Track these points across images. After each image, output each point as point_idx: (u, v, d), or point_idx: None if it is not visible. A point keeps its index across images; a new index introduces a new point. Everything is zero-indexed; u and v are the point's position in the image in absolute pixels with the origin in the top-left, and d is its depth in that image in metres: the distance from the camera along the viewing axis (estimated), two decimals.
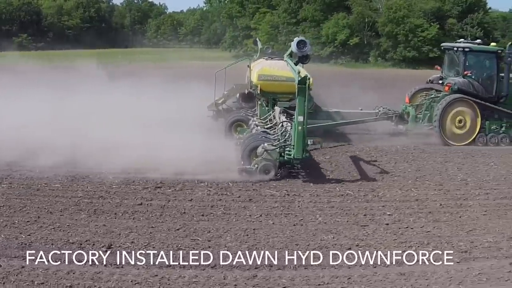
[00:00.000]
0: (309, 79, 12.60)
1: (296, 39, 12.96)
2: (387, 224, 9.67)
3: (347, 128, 18.88)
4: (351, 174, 13.48)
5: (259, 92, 16.68)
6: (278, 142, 12.95)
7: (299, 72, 12.44)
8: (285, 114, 15.64)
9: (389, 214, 10.19)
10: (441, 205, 10.90)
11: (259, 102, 16.92)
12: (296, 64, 13.73)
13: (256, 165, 12.54)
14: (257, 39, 25.63)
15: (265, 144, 12.78)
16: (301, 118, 12.30)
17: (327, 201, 11.02)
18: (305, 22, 68.40)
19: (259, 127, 15.11)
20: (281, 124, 14.19)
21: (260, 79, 16.43)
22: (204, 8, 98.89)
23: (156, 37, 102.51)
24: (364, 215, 10.14)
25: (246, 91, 17.74)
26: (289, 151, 12.66)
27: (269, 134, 14.10)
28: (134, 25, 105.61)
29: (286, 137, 13.09)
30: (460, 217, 10.22)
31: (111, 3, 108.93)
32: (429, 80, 19.24)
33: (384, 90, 22.51)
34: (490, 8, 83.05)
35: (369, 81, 22.24)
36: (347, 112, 18.39)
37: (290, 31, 65.98)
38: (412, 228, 9.49)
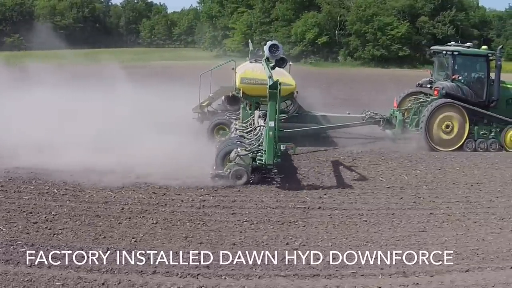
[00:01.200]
0: (280, 83, 12.65)
1: (268, 43, 13.04)
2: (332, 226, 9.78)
3: (336, 131, 19.04)
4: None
5: (241, 95, 16.84)
6: (251, 147, 13.11)
7: (270, 77, 12.57)
8: (264, 118, 15.80)
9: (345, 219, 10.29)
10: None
11: (242, 105, 17.09)
12: (273, 68, 13.80)
13: (228, 170, 12.73)
14: (249, 40, 25.78)
15: (238, 149, 12.98)
16: (272, 124, 12.42)
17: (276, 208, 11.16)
18: (277, 22, 69.39)
19: (238, 131, 15.31)
20: (254, 128, 14.35)
21: (242, 82, 16.59)
22: (198, 8, 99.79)
23: (150, 37, 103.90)
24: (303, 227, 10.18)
25: (231, 94, 17.89)
26: (261, 156, 12.80)
27: (246, 138, 14.27)
28: (129, 25, 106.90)
29: (260, 142, 13.24)
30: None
31: (109, 3, 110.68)
32: (418, 84, 19.30)
33: (344, 89, 21.99)
34: (477, 7, 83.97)
35: (333, 80, 22.03)
36: (333, 116, 18.51)
37: (263, 30, 67.11)
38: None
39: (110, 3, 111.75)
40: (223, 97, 18.59)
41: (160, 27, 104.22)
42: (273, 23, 70.04)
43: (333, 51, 67.34)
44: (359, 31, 64.09)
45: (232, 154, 13.00)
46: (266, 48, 13.00)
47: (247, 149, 13.05)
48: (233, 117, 17.33)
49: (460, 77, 18.03)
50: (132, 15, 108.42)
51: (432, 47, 20.21)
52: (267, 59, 14.19)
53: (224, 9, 78.84)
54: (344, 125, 18.34)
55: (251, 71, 16.81)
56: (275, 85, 12.42)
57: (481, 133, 17.83)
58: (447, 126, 17.42)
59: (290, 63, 19.19)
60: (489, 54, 18.22)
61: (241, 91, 16.82)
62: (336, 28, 66.93)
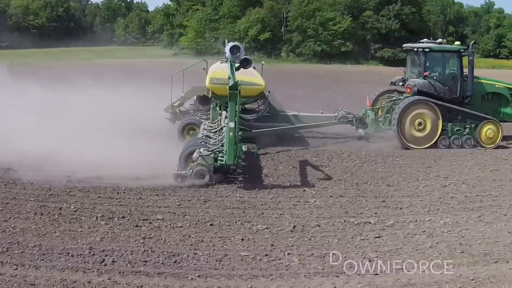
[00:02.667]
0: (240, 84, 13.02)
1: (229, 45, 13.41)
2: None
3: (310, 131, 19.43)
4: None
5: (210, 95, 17.21)
6: (213, 148, 13.48)
7: (230, 77, 12.94)
8: None
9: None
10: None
11: (212, 106, 17.46)
12: (238, 69, 14.18)
13: (191, 170, 13.09)
14: (226, 40, 26.16)
15: (201, 149, 13.34)
16: (232, 124, 12.79)
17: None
18: (224, 19, 71.54)
19: (205, 131, 15.68)
20: (221, 129, 14.72)
21: (212, 83, 16.94)
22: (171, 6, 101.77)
23: (125, 36, 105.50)
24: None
25: (202, 94, 18.28)
26: (222, 157, 13.15)
27: (211, 138, 14.63)
28: (104, 23, 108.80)
29: (222, 143, 13.60)
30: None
31: (89, 2, 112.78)
32: (392, 82, 19.65)
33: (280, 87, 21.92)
34: (453, 3, 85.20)
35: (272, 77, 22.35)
36: (305, 116, 18.89)
37: (213, 27, 68.96)
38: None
39: (89, 2, 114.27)
40: (195, 97, 18.94)
41: (134, 26, 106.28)
42: (220, 20, 72.85)
43: (276, 48, 68.89)
44: (301, 26, 65.32)
45: (195, 155, 13.35)
46: (227, 49, 13.35)
47: (209, 149, 13.40)
48: (203, 117, 17.73)
49: (432, 74, 18.37)
50: (107, 14, 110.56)
51: (404, 45, 20.63)
52: (232, 60, 14.56)
53: (180, 7, 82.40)
54: (315, 124, 18.71)
55: (221, 71, 17.15)
56: (235, 86, 12.79)
57: (455, 129, 18.17)
58: (420, 124, 17.75)
59: (263, 62, 19.72)
60: (461, 50, 18.59)
61: (210, 91, 17.17)
62: (282, 24, 67.97)
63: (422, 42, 19.29)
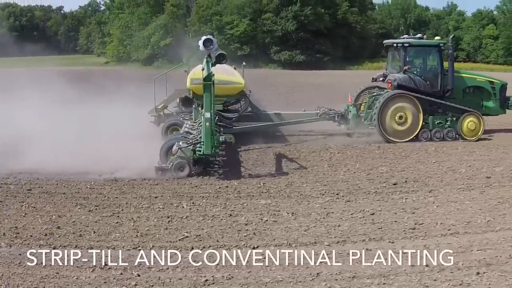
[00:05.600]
0: (214, 77, 14.39)
1: (202, 38, 14.74)
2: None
3: (293, 129, 20.75)
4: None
5: (191, 96, 18.55)
6: (191, 140, 14.76)
7: (203, 69, 14.32)
8: (216, 116, 17.56)
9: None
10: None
11: (194, 106, 18.77)
12: (214, 64, 15.54)
13: (171, 163, 14.36)
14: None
15: (180, 143, 14.63)
16: (208, 115, 14.13)
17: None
18: (137, 26, 77.07)
19: (186, 129, 16.98)
20: (199, 123, 16.02)
21: (192, 83, 18.31)
22: None
23: (87, 44, 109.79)
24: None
25: (184, 96, 19.62)
26: (200, 147, 14.41)
27: (191, 134, 15.92)
28: (69, 32, 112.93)
29: (200, 134, 14.89)
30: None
31: (62, 11, 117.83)
32: (373, 78, 21.00)
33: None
34: (415, 6, 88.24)
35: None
36: (287, 114, 20.25)
37: (130, 34, 75.47)
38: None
39: (62, 11, 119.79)
40: (178, 99, 20.26)
41: (95, 35, 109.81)
42: (134, 27, 77.54)
43: (179, 53, 72.06)
44: (198, 31, 68.52)
45: (174, 148, 14.64)
46: (200, 42, 14.67)
47: (188, 142, 14.68)
48: (186, 118, 19.02)
49: (413, 68, 19.73)
50: (72, 23, 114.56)
51: (384, 41, 21.95)
52: (209, 56, 15.93)
53: (110, 15, 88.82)
54: (297, 121, 20.03)
55: (200, 72, 18.44)
56: (209, 77, 14.21)
57: (436, 122, 19.46)
58: (400, 117, 19.02)
59: (244, 63, 21.12)
60: (441, 44, 19.98)
61: (191, 92, 18.52)
62: (185, 29, 72.98)
63: (402, 38, 20.63)
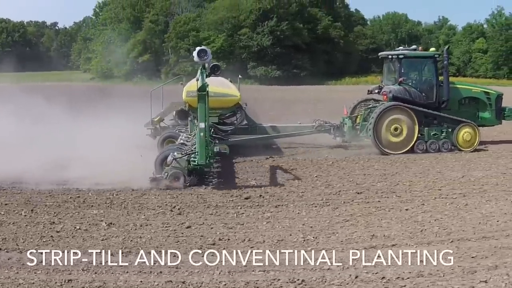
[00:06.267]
0: (208, 89, 14.73)
1: (197, 49, 15.07)
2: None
3: (292, 142, 21.10)
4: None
5: (187, 108, 18.90)
6: (186, 150, 15.07)
7: (197, 80, 14.66)
8: (211, 129, 17.92)
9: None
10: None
11: (190, 118, 19.11)
12: (208, 75, 15.94)
13: (166, 173, 14.66)
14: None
15: (175, 153, 14.95)
16: (202, 125, 14.46)
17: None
18: (119, 42, 79.00)
19: (181, 141, 17.30)
20: (194, 134, 16.35)
21: (188, 96, 18.67)
22: None
23: (79, 60, 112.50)
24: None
25: (180, 108, 19.97)
26: (194, 157, 14.72)
27: (186, 146, 16.23)
28: (61, 48, 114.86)
29: (195, 145, 15.20)
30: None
31: (57, 27, 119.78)
32: (369, 90, 21.35)
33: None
34: (406, 21, 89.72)
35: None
36: (283, 126, 20.62)
37: (111, 51, 76.76)
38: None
39: (56, 27, 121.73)
40: (174, 112, 20.61)
41: (82, 50, 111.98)
42: (116, 43, 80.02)
43: (157, 69, 73.30)
44: (175, 47, 69.36)
45: (169, 158, 14.95)
46: (195, 53, 15.01)
47: (183, 152, 14.99)
48: (182, 131, 19.35)
49: (408, 80, 20.09)
50: (65, 39, 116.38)
51: (379, 53, 22.26)
52: (203, 67, 16.28)
53: (96, 31, 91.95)
54: (293, 133, 20.43)
55: (196, 84, 18.84)
56: (203, 88, 14.54)
57: (432, 134, 19.77)
58: (396, 129, 19.32)
59: (240, 76, 21.51)
60: (436, 56, 20.33)
61: (187, 104, 18.88)
62: (165, 45, 75.26)
63: (397, 50, 21.01)
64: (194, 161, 14.67)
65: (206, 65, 15.96)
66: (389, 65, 21.11)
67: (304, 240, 9.97)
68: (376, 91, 20.93)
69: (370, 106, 20.70)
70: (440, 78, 20.21)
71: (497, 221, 11.03)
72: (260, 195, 13.48)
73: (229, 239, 10.09)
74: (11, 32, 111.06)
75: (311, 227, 10.84)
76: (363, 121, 20.37)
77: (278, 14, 77.41)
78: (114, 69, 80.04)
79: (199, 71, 16.09)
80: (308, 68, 78.92)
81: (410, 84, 20.19)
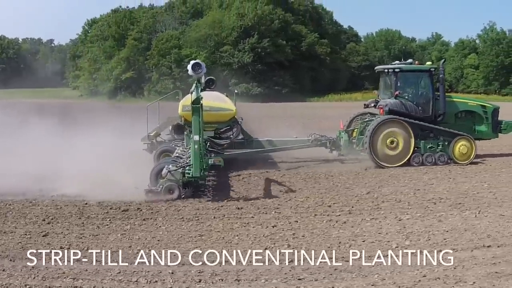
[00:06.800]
0: (201, 102, 15.01)
1: (191, 62, 15.33)
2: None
3: (288, 157, 21.35)
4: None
5: (183, 122, 19.15)
6: (181, 163, 15.31)
7: (191, 92, 14.96)
8: (207, 142, 18.22)
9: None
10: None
11: (186, 133, 19.36)
12: (203, 89, 16.22)
13: (161, 186, 14.89)
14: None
15: (170, 166, 15.18)
16: (196, 137, 14.72)
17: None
18: (104, 59, 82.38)
19: (177, 154, 17.55)
20: (189, 147, 16.60)
21: (184, 110, 18.84)
22: None
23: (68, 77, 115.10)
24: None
25: (176, 123, 20.25)
26: (189, 170, 14.95)
27: (181, 159, 16.48)
28: (56, 66, 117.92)
29: (189, 157, 15.44)
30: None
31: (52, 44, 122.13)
32: (365, 104, 21.62)
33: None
34: (399, 37, 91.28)
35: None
36: (279, 140, 20.87)
37: (97, 68, 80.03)
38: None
39: (52, 44, 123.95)
40: (170, 127, 20.88)
41: (70, 68, 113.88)
42: (101, 60, 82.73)
43: (141, 86, 74.59)
44: (157, 64, 70.38)
45: (164, 171, 15.18)
46: (189, 67, 15.28)
47: (177, 165, 15.23)
48: (178, 145, 19.60)
49: (404, 94, 20.36)
50: (59, 56, 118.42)
51: (376, 67, 22.55)
52: (198, 80, 16.59)
53: (84, 49, 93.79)
54: (289, 147, 20.63)
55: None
56: (197, 100, 14.82)
57: (428, 147, 19.98)
58: (392, 142, 19.55)
59: (236, 91, 21.81)
60: (432, 69, 20.61)
61: (183, 119, 19.13)
62: (148, 62, 77.06)
63: (393, 64, 21.30)
64: (189, 173, 14.91)
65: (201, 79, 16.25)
66: (385, 79, 21.37)
67: None
68: (373, 104, 21.18)
69: (367, 119, 20.96)
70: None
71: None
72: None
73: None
74: (6, 48, 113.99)
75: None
76: (359, 135, 20.61)
77: (260, 31, 79.05)
78: (100, 86, 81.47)
79: (193, 85, 16.41)
80: (290, 85, 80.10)
81: (406, 97, 20.45)
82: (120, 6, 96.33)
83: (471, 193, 14.97)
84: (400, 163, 19.63)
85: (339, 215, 12.83)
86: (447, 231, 11.18)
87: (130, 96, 74.39)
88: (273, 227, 11.73)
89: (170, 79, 72.15)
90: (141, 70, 77.83)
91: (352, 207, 13.58)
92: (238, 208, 13.56)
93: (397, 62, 21.70)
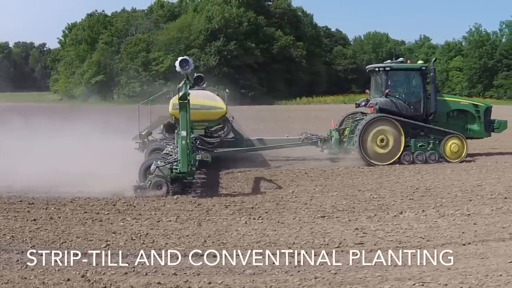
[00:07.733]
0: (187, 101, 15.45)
1: (179, 59, 15.70)
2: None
3: (279, 156, 21.77)
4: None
5: (174, 121, 19.58)
6: (168, 159, 15.73)
7: (179, 89, 15.38)
8: (197, 141, 18.67)
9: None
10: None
11: (176, 131, 19.75)
12: (192, 87, 16.63)
13: (149, 182, 15.30)
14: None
15: (158, 162, 15.60)
16: (184, 133, 15.14)
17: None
18: (78, 63, 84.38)
19: (166, 151, 17.96)
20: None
21: (174, 108, 19.28)
22: None
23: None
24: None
25: (167, 122, 20.68)
26: (176, 165, 15.35)
27: (170, 156, 16.88)
28: (46, 69, 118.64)
29: (177, 153, 15.86)
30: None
31: (44, 48, 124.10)
32: (356, 104, 22.04)
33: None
34: (387, 40, 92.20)
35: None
36: (270, 139, 21.33)
37: (72, 72, 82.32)
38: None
39: (44, 48, 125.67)
40: (161, 126, 21.30)
41: (52, 71, 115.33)
42: (75, 64, 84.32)
43: (111, 90, 75.64)
44: (125, 67, 71.29)
45: (152, 167, 15.59)
46: (177, 63, 15.68)
47: (165, 161, 15.64)
48: (169, 144, 20.01)
49: (395, 92, 20.76)
50: (49, 60, 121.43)
51: (367, 66, 22.95)
52: (187, 78, 16.99)
53: (63, 53, 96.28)
54: (280, 145, 21.04)
55: None
56: (184, 96, 15.23)
57: (418, 145, 20.41)
58: (382, 140, 19.97)
59: (227, 90, 22.24)
60: (423, 68, 21.01)
61: (173, 117, 19.57)
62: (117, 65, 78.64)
63: (384, 63, 21.73)
64: (177, 169, 15.30)
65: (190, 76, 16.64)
66: (376, 78, 21.77)
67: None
68: (363, 104, 21.58)
69: (358, 118, 21.35)
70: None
71: None
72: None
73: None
74: None
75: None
76: (350, 134, 20.98)
77: (226, 34, 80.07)
78: (73, 89, 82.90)
79: (182, 82, 16.83)
80: (258, 88, 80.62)
81: (397, 96, 20.87)
82: (96, 10, 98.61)
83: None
84: (391, 161, 20.04)
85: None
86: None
87: (101, 99, 75.61)
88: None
89: (138, 82, 73.12)
90: (112, 73, 78.95)
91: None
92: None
93: (388, 61, 22.10)
